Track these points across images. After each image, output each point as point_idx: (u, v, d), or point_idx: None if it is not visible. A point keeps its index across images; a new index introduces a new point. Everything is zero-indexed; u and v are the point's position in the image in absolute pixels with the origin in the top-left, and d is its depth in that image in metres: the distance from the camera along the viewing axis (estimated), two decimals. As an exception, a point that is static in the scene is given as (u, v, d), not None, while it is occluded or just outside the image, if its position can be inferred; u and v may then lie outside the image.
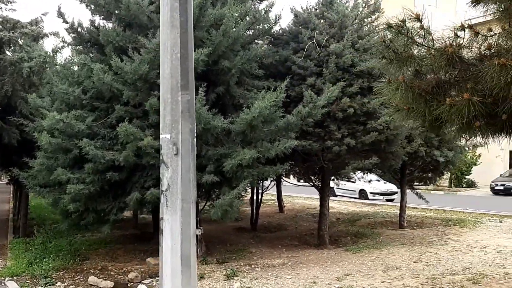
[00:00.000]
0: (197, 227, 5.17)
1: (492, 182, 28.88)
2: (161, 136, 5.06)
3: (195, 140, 5.13)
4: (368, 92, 10.85)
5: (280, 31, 12.03)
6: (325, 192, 12.20)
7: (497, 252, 9.90)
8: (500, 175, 30.06)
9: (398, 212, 15.68)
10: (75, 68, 10.20)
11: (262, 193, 15.52)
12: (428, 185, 17.69)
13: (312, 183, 13.36)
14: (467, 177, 32.34)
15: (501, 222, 14.43)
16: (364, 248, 10.77)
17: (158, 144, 8.63)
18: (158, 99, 8.84)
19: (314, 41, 10.94)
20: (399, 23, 3.87)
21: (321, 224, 12.07)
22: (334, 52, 10.59)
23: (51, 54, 13.09)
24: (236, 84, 9.93)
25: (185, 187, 4.94)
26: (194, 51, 7.65)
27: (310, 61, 10.77)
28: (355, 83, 10.54)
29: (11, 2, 14.77)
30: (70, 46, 11.69)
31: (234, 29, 9.30)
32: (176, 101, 4.94)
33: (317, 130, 10.43)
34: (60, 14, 10.26)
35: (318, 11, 11.87)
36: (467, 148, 14.20)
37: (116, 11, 10.00)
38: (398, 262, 9.17)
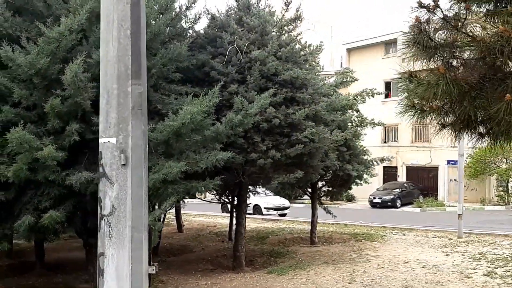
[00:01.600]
0: (149, 264, 3.92)
1: (370, 195, 30.56)
2: (101, 140, 3.73)
3: (147, 146, 3.90)
4: (290, 102, 10.32)
5: (194, 34, 10.97)
6: (242, 209, 11.30)
7: (423, 267, 9.83)
8: (377, 189, 31.98)
9: (303, 227, 15.44)
10: None
11: (166, 211, 14.06)
12: (334, 199, 17.81)
13: (224, 200, 12.44)
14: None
15: (404, 235, 14.82)
16: (288, 269, 10.03)
17: (61, 156, 7.10)
18: (62, 100, 7.31)
19: (235, 46, 10.11)
20: (432, 3, 3.19)
21: (237, 244, 11.10)
22: (257, 59, 9.85)
23: None
24: (151, 88, 8.64)
25: (136, 210, 3.68)
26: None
27: (231, 67, 9.89)
28: (279, 93, 9.91)
29: None
30: None
31: (154, 23, 8.05)
32: (125, 93, 3.67)
33: (240, 142, 9.53)
34: None
35: (234, 15, 11.07)
36: (375, 163, 14.42)
37: (2, -7, 8.09)
38: (333, 284, 8.57)
